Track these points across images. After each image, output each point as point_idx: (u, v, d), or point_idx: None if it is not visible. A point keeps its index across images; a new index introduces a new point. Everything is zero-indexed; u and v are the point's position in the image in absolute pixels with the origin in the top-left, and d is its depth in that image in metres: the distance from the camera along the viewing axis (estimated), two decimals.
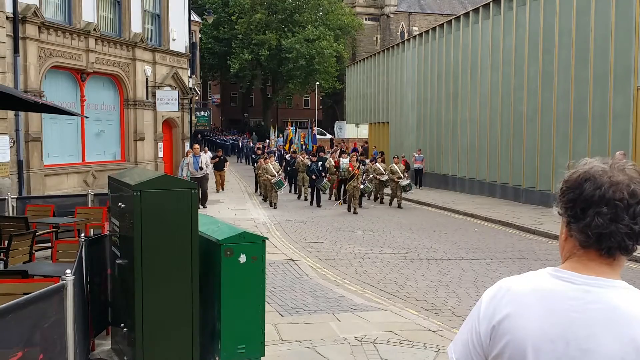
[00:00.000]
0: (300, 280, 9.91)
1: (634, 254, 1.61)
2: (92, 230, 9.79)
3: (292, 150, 30.92)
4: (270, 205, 20.25)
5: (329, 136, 54.37)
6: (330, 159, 22.96)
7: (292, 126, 37.65)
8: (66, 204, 11.78)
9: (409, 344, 6.76)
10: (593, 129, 18.19)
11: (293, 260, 11.42)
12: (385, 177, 22.30)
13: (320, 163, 22.14)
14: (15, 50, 14.81)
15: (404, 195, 21.50)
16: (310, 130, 37.19)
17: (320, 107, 70.80)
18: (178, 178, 7.09)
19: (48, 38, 15.94)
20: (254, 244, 5.40)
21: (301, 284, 9.68)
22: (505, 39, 23.05)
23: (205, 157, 19.87)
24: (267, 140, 42.70)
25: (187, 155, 19.36)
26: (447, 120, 27.63)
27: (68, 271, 4.56)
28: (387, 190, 22.87)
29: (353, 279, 10.38)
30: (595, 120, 18.16)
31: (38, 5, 15.38)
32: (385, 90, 36.75)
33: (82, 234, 6.74)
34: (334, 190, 22.76)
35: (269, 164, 21.27)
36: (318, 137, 36.32)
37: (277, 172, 20.97)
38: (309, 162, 22.45)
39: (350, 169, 20.05)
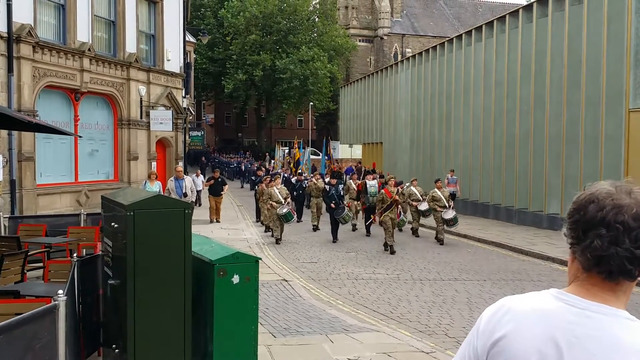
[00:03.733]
0: (293, 301, 9.86)
1: None
2: (84, 250, 9.74)
3: (299, 172, 26.57)
4: (277, 242, 16.51)
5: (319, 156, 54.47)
6: (351, 181, 19.99)
7: (298, 145, 33.17)
8: (59, 223, 11.72)
9: None
10: (585, 150, 18.31)
11: (286, 281, 11.38)
12: (425, 206, 17.81)
13: (341, 187, 18.45)
14: (10, 69, 14.85)
15: (446, 228, 17.39)
16: (325, 149, 32.12)
17: (314, 127, 71.04)
18: (171, 198, 7.08)
19: (42, 58, 15.99)
20: (247, 264, 5.39)
21: (294, 304, 9.64)
22: (497, 61, 23.27)
23: (191, 181, 16.78)
24: (272, 161, 39.00)
25: (150, 178, 16.05)
26: (440, 141, 27.77)
27: (60, 292, 4.54)
28: (426, 221, 19.24)
29: (346, 299, 10.35)
30: (587, 142, 18.28)
31: (33, 25, 15.44)
32: (378, 111, 36.96)
33: (75, 254, 6.71)
34: (356, 219, 19.47)
35: (274, 187, 17.46)
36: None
37: (285, 199, 17.20)
38: (326, 186, 18.63)
39: (386, 195, 15.79)
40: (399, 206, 16.69)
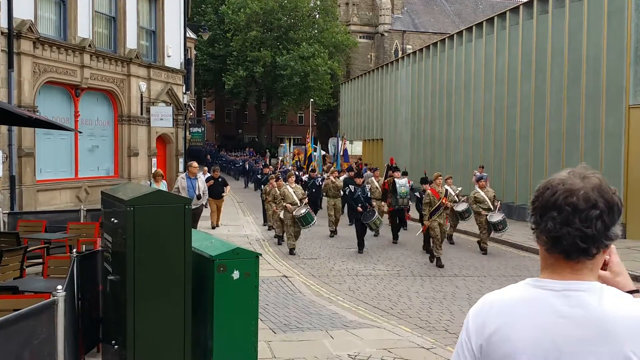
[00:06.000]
0: (293, 297, 9.86)
1: None
2: (84, 246, 9.73)
3: (311, 169, 24.24)
4: (291, 253, 14.33)
5: (323, 153, 54.40)
6: (373, 179, 18.20)
7: (310, 140, 30.31)
8: (58, 219, 11.72)
9: None
10: (585, 147, 18.30)
11: (286, 277, 11.38)
12: (463, 207, 15.80)
13: (367, 187, 16.05)
14: (10, 65, 14.82)
15: (493, 235, 15.37)
16: (338, 142, 29.57)
17: (315, 123, 70.97)
18: (172, 193, 7.05)
19: (43, 53, 15.96)
20: (248, 260, 5.37)
21: (294, 300, 9.63)
22: (498, 57, 23.23)
23: (204, 181, 14.82)
24: (280, 157, 37.49)
25: (156, 179, 14.15)
26: (441, 138, 27.75)
27: (59, 287, 4.53)
28: (462, 226, 17.10)
29: (347, 295, 10.35)
30: (587, 138, 18.27)
31: (33, 21, 15.41)
32: (379, 108, 36.93)
33: (74, 250, 6.69)
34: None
35: (288, 187, 15.12)
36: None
37: (301, 200, 14.87)
38: (350, 187, 15.61)
39: (434, 197, 13.68)
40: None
